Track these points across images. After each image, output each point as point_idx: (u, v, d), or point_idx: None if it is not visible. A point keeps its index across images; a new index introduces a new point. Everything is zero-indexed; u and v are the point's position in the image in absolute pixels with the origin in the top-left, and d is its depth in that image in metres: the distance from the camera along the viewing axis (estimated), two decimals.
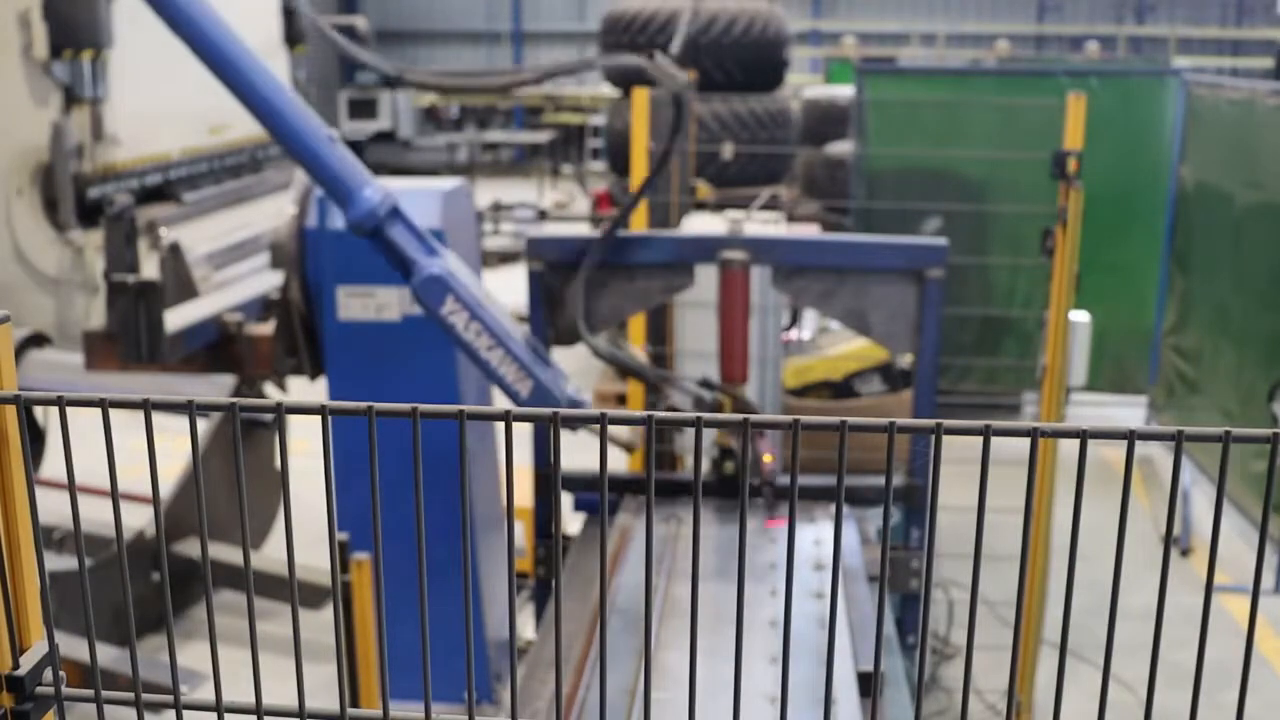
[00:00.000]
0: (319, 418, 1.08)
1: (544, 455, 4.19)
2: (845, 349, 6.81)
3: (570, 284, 4.13)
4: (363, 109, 19.54)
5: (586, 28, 24.12)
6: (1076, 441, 1.03)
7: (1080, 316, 4.51)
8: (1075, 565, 1.08)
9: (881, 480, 1.11)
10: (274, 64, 10.17)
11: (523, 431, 4.34)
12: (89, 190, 7.94)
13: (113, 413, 1.11)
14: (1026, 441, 1.01)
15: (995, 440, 1.03)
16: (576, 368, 9.74)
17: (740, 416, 1.05)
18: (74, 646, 2.80)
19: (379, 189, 3.89)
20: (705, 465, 4.23)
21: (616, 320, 5.11)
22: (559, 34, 25.78)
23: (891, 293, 4.08)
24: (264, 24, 10.04)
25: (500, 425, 1.11)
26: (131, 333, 4.52)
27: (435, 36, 26.34)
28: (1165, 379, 8.38)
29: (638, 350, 5.26)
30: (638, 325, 5.60)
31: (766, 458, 4.01)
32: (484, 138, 21.28)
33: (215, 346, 4.79)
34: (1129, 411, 8.72)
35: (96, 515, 4.02)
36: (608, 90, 12.00)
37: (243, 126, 9.29)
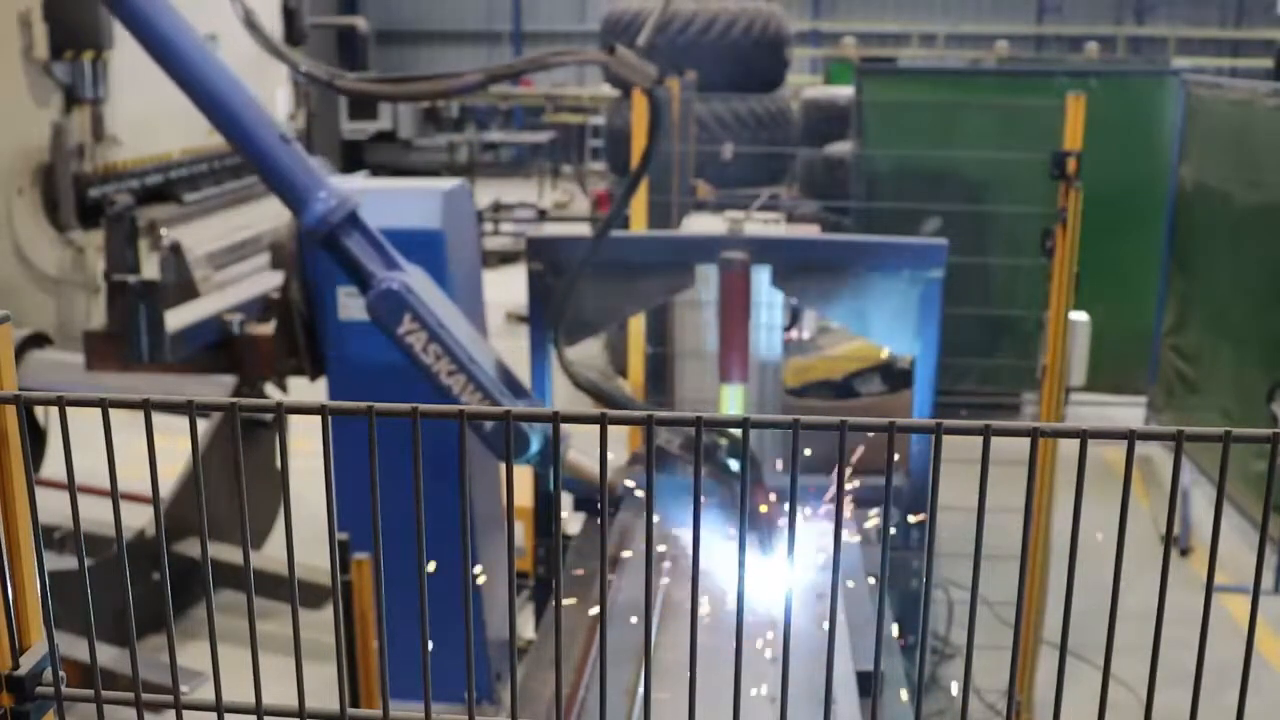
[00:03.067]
0: (319, 418, 1.08)
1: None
2: (845, 349, 6.81)
3: (561, 293, 4.02)
4: (363, 109, 19.51)
5: (587, 28, 24.11)
6: (1076, 441, 1.03)
7: (1080, 316, 4.51)
8: (1075, 565, 1.08)
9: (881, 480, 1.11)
10: (274, 65, 10.17)
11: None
12: (90, 190, 7.93)
13: (113, 413, 1.11)
14: (1026, 441, 1.01)
15: (995, 440, 1.03)
16: None
17: (740, 417, 1.05)
18: (74, 646, 2.80)
19: (336, 193, 3.65)
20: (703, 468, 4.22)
21: (617, 321, 5.11)
22: (559, 34, 25.77)
23: (891, 293, 4.07)
24: (264, 24, 10.03)
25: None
26: (132, 333, 4.52)
27: (435, 36, 26.33)
28: (1165, 379, 8.38)
29: (625, 384, 5.03)
30: (638, 325, 5.60)
31: (763, 508, 3.76)
32: (484, 137, 21.26)
33: (215, 346, 4.79)
34: (1129, 411, 8.71)
35: (97, 515, 4.02)
36: (608, 90, 11.99)
37: None
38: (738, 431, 4.10)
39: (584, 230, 11.16)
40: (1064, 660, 1.13)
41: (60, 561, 5.21)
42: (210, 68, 3.53)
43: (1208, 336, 7.74)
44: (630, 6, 9.59)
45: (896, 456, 1.02)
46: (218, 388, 5.09)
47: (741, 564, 1.13)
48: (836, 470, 1.08)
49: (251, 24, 3.94)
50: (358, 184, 4.74)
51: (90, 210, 7.80)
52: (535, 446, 3.94)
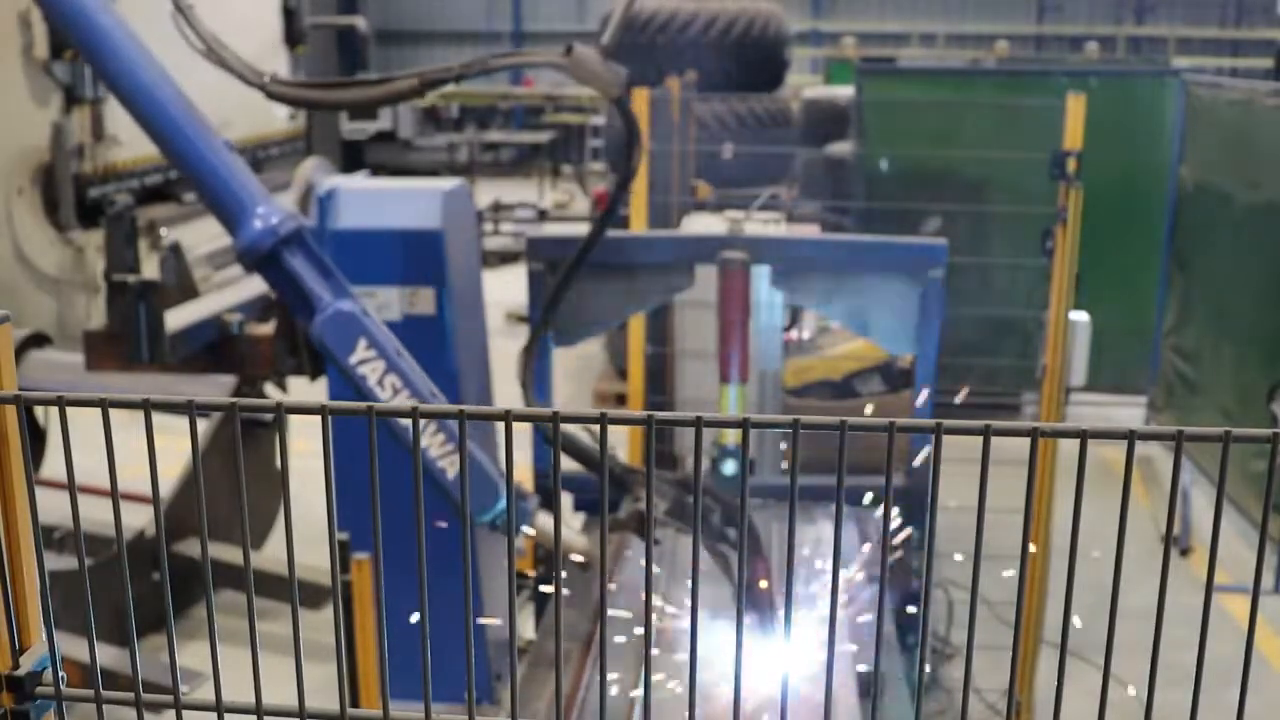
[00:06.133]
0: (319, 418, 1.08)
1: (544, 455, 4.17)
2: (845, 349, 6.81)
3: (561, 288, 3.87)
4: (363, 109, 19.50)
5: (586, 28, 24.11)
6: (1076, 441, 1.03)
7: (1080, 316, 4.51)
8: (1075, 565, 1.08)
9: (881, 480, 1.11)
10: (274, 64, 10.16)
11: (523, 431, 4.32)
12: (89, 190, 7.93)
13: (113, 413, 1.11)
14: (1026, 441, 1.01)
15: (995, 440, 1.03)
16: (576, 367, 9.75)
17: (740, 417, 1.05)
18: (74, 646, 2.80)
19: (277, 210, 3.39)
20: (704, 466, 4.19)
21: (617, 321, 5.11)
22: (559, 34, 25.76)
23: (891, 293, 4.08)
24: (264, 24, 10.04)
25: (500, 425, 1.11)
26: (132, 333, 4.52)
27: (435, 36, 26.33)
28: (1165, 379, 8.38)
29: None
30: (638, 325, 5.60)
31: (762, 583, 3.47)
32: (484, 137, 21.28)
33: (215, 346, 4.78)
34: (1129, 411, 8.71)
35: (96, 515, 4.02)
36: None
37: (242, 126, 9.29)
38: (736, 435, 4.00)
39: (584, 230, 11.16)
40: (1064, 660, 1.13)
41: (60, 561, 5.21)
42: (139, 64, 3.28)
43: (1208, 336, 7.74)
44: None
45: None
46: (218, 388, 5.09)
47: (741, 568, 1.13)
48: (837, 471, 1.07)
49: (183, 14, 3.58)
50: (358, 183, 4.74)
51: (90, 210, 7.80)
52: (503, 503, 3.67)
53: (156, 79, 3.28)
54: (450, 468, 3.45)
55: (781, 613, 3.39)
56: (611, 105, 3.52)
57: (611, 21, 3.38)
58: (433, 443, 3.46)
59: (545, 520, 3.88)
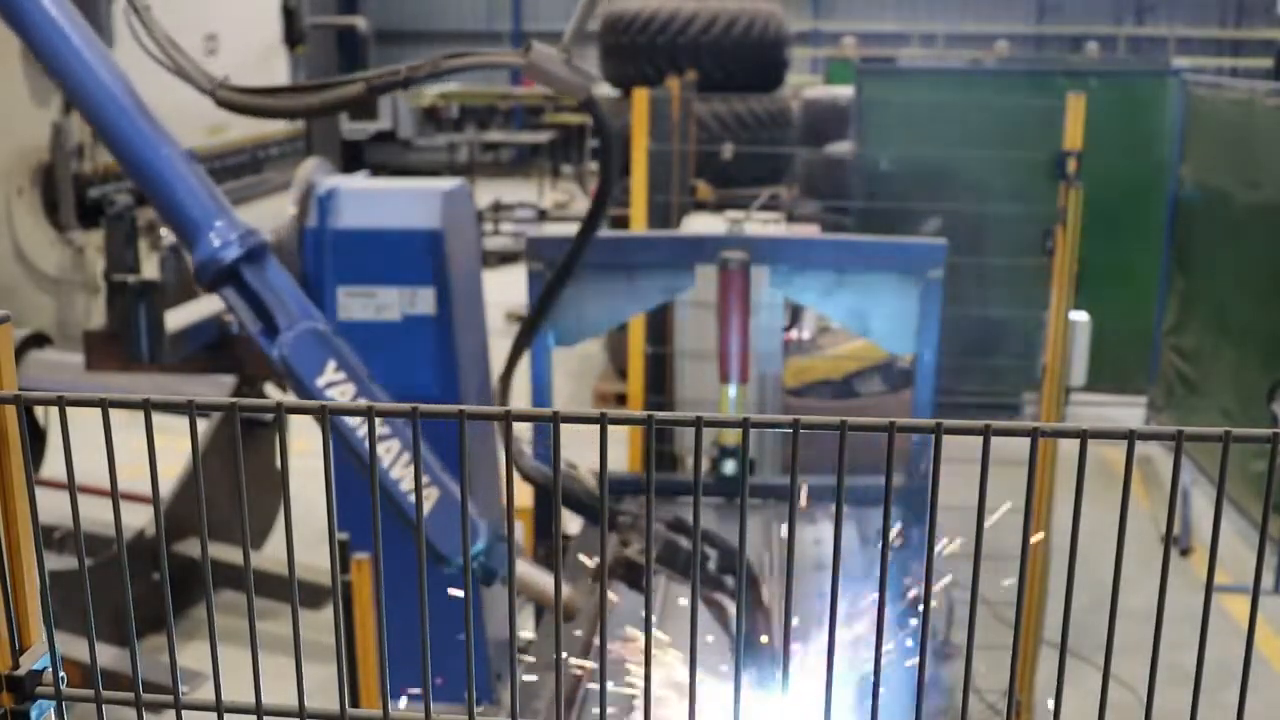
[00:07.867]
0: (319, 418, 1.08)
1: (544, 455, 4.16)
2: (845, 349, 6.81)
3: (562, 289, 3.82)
4: (363, 109, 19.51)
5: (587, 28, 24.11)
6: (1076, 441, 1.03)
7: (1080, 316, 4.51)
8: (1075, 565, 1.08)
9: (881, 480, 1.11)
10: (274, 64, 10.17)
11: (522, 431, 4.31)
12: (89, 190, 7.94)
13: (113, 413, 1.11)
14: (1026, 441, 1.01)
15: (995, 440, 1.03)
16: (576, 368, 9.75)
17: (740, 417, 1.05)
18: (74, 646, 2.80)
19: (237, 225, 3.25)
20: (704, 465, 4.18)
21: (617, 321, 5.11)
22: (559, 34, 25.74)
23: (891, 292, 4.08)
24: (264, 24, 10.04)
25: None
26: (132, 333, 4.52)
27: (435, 36, 26.32)
28: (1165, 379, 8.38)
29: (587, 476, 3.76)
30: (638, 325, 5.60)
31: (764, 639, 3.24)
32: (484, 137, 21.27)
33: (215, 346, 4.78)
34: (1129, 411, 8.71)
35: (97, 515, 4.02)
36: (607, 90, 11.99)
37: (242, 127, 9.30)
38: (736, 435, 3.97)
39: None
40: (1064, 660, 1.13)
41: (60, 561, 5.21)
42: (89, 65, 3.15)
43: (1208, 336, 7.74)
44: (630, 7, 9.59)
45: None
46: (218, 388, 5.09)
47: (741, 569, 1.13)
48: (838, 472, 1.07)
49: (138, 14, 3.44)
50: (358, 183, 4.74)
51: (90, 210, 7.81)
52: (482, 543, 3.56)
53: (107, 82, 3.14)
54: (424, 502, 3.35)
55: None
56: (583, 105, 3.41)
57: (571, 24, 3.24)
58: (404, 475, 3.28)
59: (526, 569, 3.74)
